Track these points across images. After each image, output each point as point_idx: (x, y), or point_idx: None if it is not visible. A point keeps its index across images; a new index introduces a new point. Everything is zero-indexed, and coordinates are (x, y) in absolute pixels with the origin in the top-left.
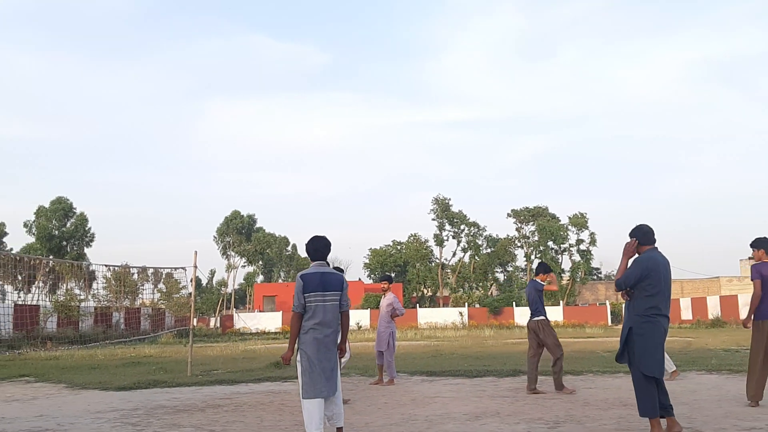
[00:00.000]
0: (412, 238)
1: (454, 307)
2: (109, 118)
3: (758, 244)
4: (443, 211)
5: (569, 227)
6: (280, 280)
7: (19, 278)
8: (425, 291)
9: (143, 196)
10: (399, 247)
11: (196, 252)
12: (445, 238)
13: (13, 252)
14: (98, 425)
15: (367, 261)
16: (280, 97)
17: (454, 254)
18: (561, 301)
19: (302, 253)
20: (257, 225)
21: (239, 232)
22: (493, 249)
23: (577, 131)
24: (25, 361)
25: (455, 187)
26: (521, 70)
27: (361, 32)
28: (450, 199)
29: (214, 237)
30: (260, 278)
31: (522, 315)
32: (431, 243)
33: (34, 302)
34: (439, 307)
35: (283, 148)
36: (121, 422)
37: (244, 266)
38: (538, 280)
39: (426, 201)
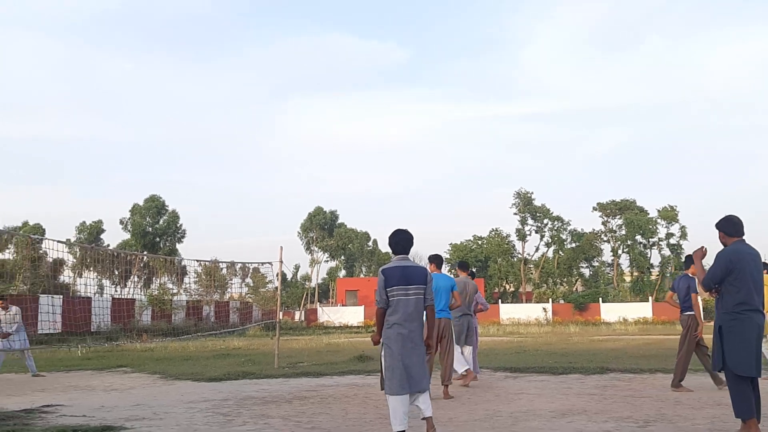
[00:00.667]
0: (493, 232)
1: (537, 302)
2: (197, 119)
3: None
4: (525, 205)
5: (658, 220)
6: (361, 275)
7: (116, 273)
8: (507, 286)
9: (231, 194)
10: (480, 242)
11: (281, 247)
12: (528, 232)
13: (110, 248)
14: (191, 415)
15: (447, 256)
16: (362, 94)
17: (537, 249)
18: (650, 297)
19: (383, 248)
20: (339, 221)
21: (322, 228)
22: (577, 243)
23: (665, 121)
24: (122, 352)
25: (538, 181)
26: (604, 59)
27: (440, 27)
28: (532, 193)
29: (298, 233)
30: (342, 273)
31: (608, 312)
32: (513, 238)
33: (130, 296)
34: (522, 302)
35: (364, 144)
36: (212, 412)
37: (327, 261)
38: (689, 273)
39: (507, 195)
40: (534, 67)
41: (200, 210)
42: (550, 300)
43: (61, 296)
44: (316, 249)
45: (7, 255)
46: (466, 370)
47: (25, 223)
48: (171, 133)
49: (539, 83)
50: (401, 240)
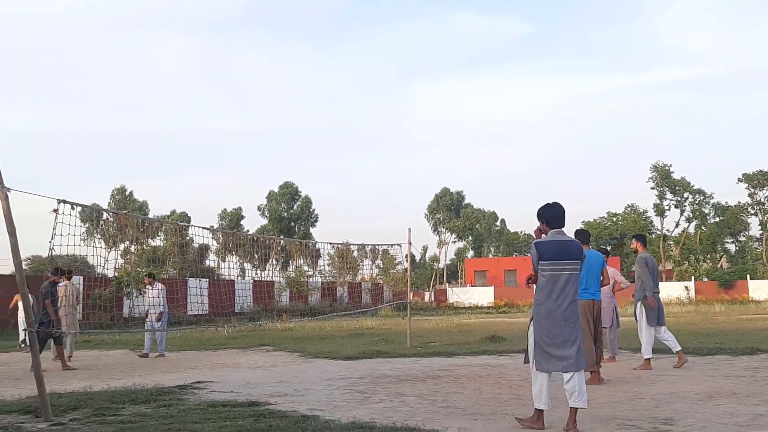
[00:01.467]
0: (629, 208)
1: (678, 281)
2: (326, 105)
3: None
4: (663, 178)
5: None
6: (489, 255)
7: (256, 257)
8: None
9: (359, 177)
10: (615, 219)
11: (409, 229)
12: (667, 207)
13: (250, 233)
14: (330, 392)
15: None
16: (486, 72)
17: (677, 225)
18: None
19: (512, 227)
20: (465, 201)
21: (449, 209)
22: (722, 218)
23: None
24: (264, 332)
25: (676, 153)
26: (749, 20)
27: None
28: (671, 166)
29: (425, 214)
30: (470, 253)
31: (757, 289)
32: (651, 213)
33: (269, 278)
34: (662, 281)
35: (490, 122)
36: (350, 389)
37: (455, 242)
38: None
39: (643, 169)
40: (672, 33)
41: (330, 194)
42: (693, 278)
43: (207, 279)
44: (443, 230)
45: (158, 242)
46: (677, 353)
47: (173, 212)
48: (302, 120)
49: (678, 49)
50: (558, 213)
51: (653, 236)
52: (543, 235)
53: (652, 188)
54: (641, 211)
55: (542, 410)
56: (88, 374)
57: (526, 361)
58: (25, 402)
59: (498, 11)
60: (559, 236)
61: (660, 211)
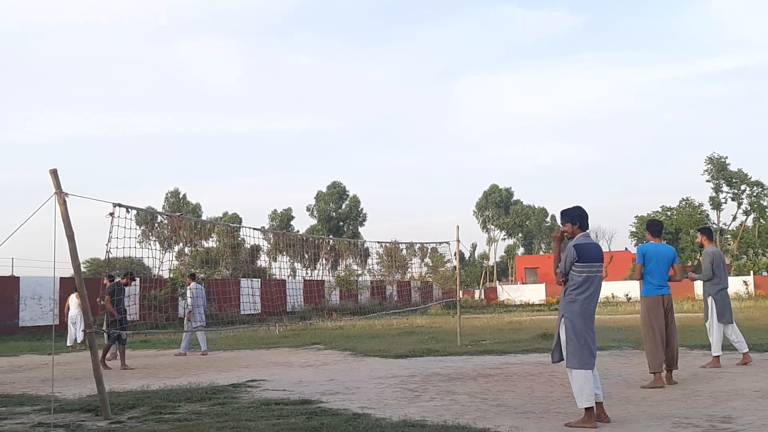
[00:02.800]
0: (683, 202)
1: (736, 275)
2: (373, 103)
3: None
4: (719, 171)
5: None
6: (540, 252)
7: (306, 256)
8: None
9: (407, 176)
10: (669, 213)
11: (458, 227)
12: (723, 200)
13: (299, 233)
14: (381, 390)
15: (633, 229)
16: (534, 66)
17: (735, 218)
18: None
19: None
20: (515, 198)
21: (497, 206)
22: None
23: None
24: (315, 331)
25: (732, 144)
26: None
27: None
28: (727, 158)
29: (474, 211)
30: (521, 250)
31: None
32: (706, 206)
33: (320, 278)
34: None
35: (540, 117)
36: (401, 388)
37: (504, 239)
38: None
39: (698, 161)
40: (725, 20)
41: (378, 193)
42: (752, 272)
43: (259, 279)
44: (492, 227)
45: (211, 243)
46: (744, 354)
47: (225, 213)
48: (349, 119)
49: (731, 36)
50: (587, 216)
51: None
52: (566, 237)
53: (708, 181)
54: (696, 204)
55: (592, 408)
56: (145, 373)
57: (555, 360)
58: (86, 401)
59: (545, 4)
60: (589, 239)
61: (716, 205)
